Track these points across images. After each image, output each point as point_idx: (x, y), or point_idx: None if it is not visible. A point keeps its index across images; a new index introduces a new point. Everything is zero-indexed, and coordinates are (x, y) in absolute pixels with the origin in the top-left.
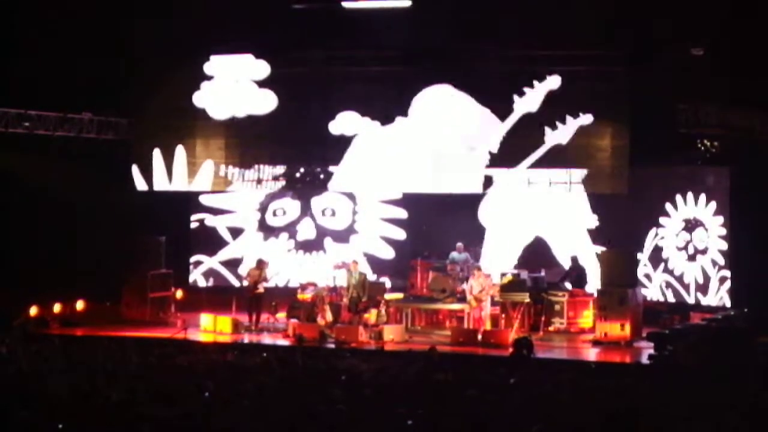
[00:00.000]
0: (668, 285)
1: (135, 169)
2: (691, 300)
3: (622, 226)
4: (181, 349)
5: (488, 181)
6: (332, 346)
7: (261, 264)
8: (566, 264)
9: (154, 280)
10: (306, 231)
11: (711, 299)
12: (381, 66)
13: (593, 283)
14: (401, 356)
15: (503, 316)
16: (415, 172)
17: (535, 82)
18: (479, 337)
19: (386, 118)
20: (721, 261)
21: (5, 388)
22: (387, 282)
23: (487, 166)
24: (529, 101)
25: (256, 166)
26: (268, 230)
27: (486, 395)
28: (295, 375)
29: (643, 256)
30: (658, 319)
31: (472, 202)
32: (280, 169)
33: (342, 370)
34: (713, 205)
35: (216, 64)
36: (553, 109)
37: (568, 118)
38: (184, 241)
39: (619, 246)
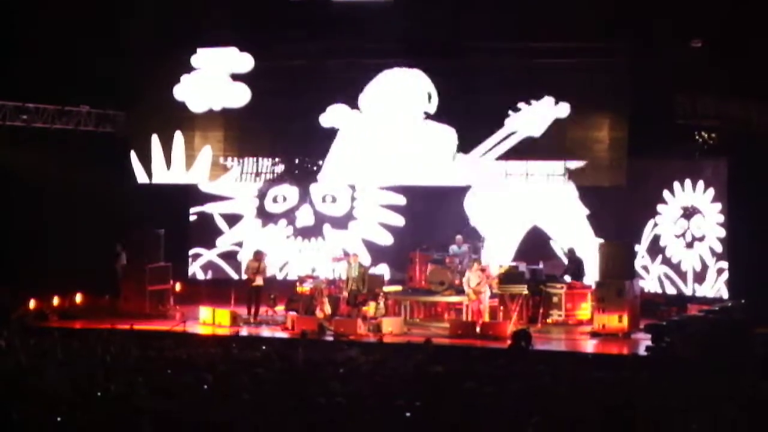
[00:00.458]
0: (666, 276)
1: (133, 156)
2: (688, 290)
3: (620, 217)
4: (180, 342)
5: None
6: (331, 338)
7: (259, 255)
8: (564, 256)
9: (153, 272)
10: (305, 218)
11: (708, 288)
12: (370, 59)
13: (592, 275)
14: (400, 349)
15: (501, 308)
16: (400, 164)
17: (531, 103)
18: (478, 329)
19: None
20: (719, 248)
21: (4, 382)
22: (386, 268)
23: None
24: (520, 122)
25: (251, 159)
26: (266, 217)
27: (484, 387)
28: (294, 368)
29: (641, 248)
30: (655, 311)
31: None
32: (276, 161)
33: (340, 362)
34: (711, 192)
35: (202, 57)
36: (554, 100)
37: (533, 102)
38: (183, 234)
39: (616, 238)
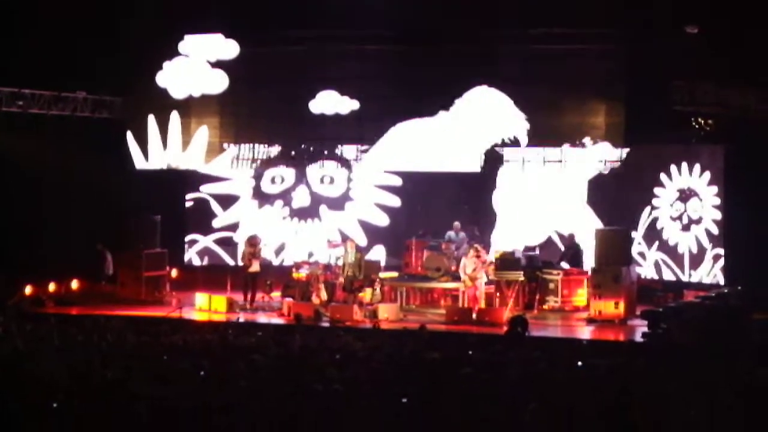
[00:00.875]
0: (663, 262)
1: (130, 137)
2: (684, 275)
3: (616, 203)
4: (176, 328)
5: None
6: (327, 324)
7: (253, 240)
8: (561, 242)
9: (149, 259)
10: (301, 198)
11: (704, 272)
12: (359, 45)
13: (590, 261)
14: (396, 335)
15: (498, 294)
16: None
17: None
18: (474, 315)
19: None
20: (715, 231)
21: (0, 368)
22: (382, 249)
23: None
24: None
25: (247, 145)
26: (263, 198)
27: (481, 374)
28: (290, 354)
29: (637, 234)
30: (652, 298)
31: (469, 181)
32: (272, 146)
33: (337, 349)
34: (707, 175)
35: (189, 44)
36: (550, 88)
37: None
38: (179, 220)
39: (613, 224)
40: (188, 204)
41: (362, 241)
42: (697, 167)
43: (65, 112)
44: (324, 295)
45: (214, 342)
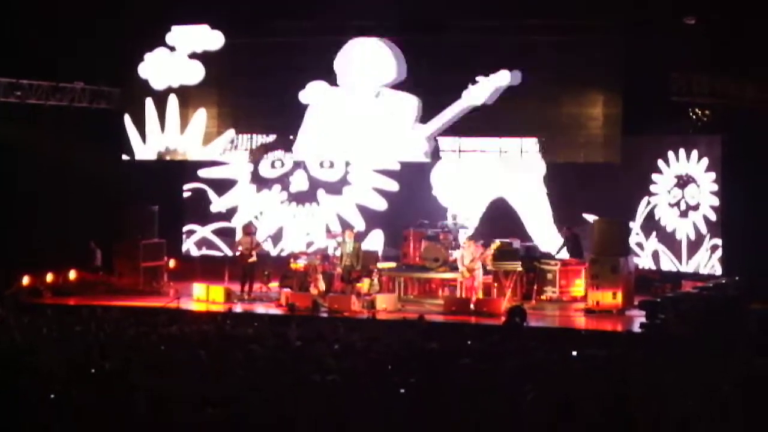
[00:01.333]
0: (661, 252)
1: (127, 120)
2: (682, 264)
3: (614, 194)
4: (173, 319)
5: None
6: (325, 315)
7: (248, 229)
8: (536, 235)
9: (147, 249)
10: (299, 183)
11: (702, 261)
12: (346, 36)
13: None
14: (394, 325)
15: (496, 285)
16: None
17: (483, 78)
18: (472, 306)
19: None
20: (713, 217)
21: None
22: (380, 234)
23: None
24: (476, 94)
25: (245, 136)
26: (261, 182)
27: (479, 364)
28: (288, 345)
29: (635, 225)
30: (650, 288)
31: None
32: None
33: (335, 339)
34: (705, 161)
35: (176, 35)
36: (544, 77)
37: (482, 78)
38: (177, 210)
39: (610, 215)
40: (186, 194)
41: (360, 225)
42: (694, 153)
43: (63, 103)
44: (322, 286)
45: (211, 332)
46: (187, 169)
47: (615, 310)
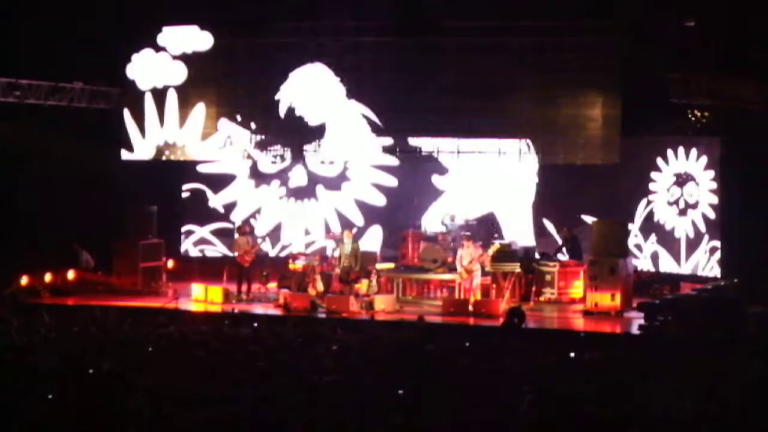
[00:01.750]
0: (659, 253)
1: (126, 114)
2: (681, 263)
3: (613, 196)
4: (172, 319)
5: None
6: (323, 316)
7: (243, 229)
8: (516, 238)
9: (146, 249)
10: (298, 178)
11: (701, 263)
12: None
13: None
14: (392, 326)
15: (494, 286)
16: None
17: None
18: (470, 307)
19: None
20: (712, 215)
21: None
22: (378, 230)
23: None
24: None
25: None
26: (259, 177)
27: (478, 365)
28: (286, 345)
29: (634, 226)
30: (648, 290)
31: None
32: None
33: (333, 340)
34: (704, 159)
35: (167, 36)
36: (543, 78)
37: None
38: (176, 210)
39: (609, 216)
40: (185, 194)
41: (359, 221)
42: (693, 152)
43: (62, 103)
44: (320, 286)
45: (209, 333)
46: (186, 170)
47: (613, 311)
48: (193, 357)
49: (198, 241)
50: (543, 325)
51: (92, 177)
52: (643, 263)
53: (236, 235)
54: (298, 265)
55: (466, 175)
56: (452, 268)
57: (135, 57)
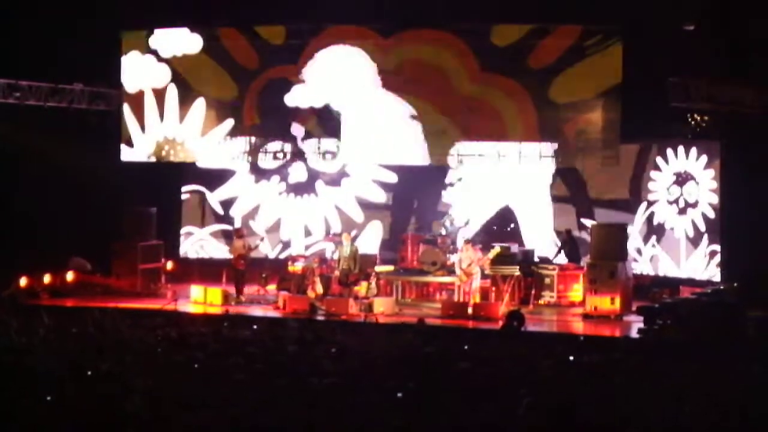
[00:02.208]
0: (659, 256)
1: (126, 109)
2: (680, 265)
3: (613, 198)
4: (171, 321)
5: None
6: (322, 318)
7: (240, 233)
8: (530, 239)
9: (145, 251)
10: (297, 174)
11: (700, 267)
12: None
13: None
14: (392, 329)
15: (493, 289)
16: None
17: None
18: (469, 310)
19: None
20: (712, 214)
21: None
22: (379, 226)
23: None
24: None
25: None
26: (259, 173)
27: (477, 368)
28: (285, 348)
29: (633, 230)
30: (648, 293)
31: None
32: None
33: (332, 342)
34: (704, 158)
35: (158, 38)
36: (543, 82)
37: None
38: (175, 212)
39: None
40: (184, 196)
41: (359, 217)
42: (693, 151)
43: (62, 104)
44: (319, 289)
45: (208, 335)
46: (186, 170)
47: (613, 315)
48: (192, 359)
49: (197, 242)
50: (542, 329)
51: (92, 178)
52: (642, 267)
53: (234, 239)
54: (298, 267)
55: (470, 179)
56: (452, 271)
57: (123, 59)
